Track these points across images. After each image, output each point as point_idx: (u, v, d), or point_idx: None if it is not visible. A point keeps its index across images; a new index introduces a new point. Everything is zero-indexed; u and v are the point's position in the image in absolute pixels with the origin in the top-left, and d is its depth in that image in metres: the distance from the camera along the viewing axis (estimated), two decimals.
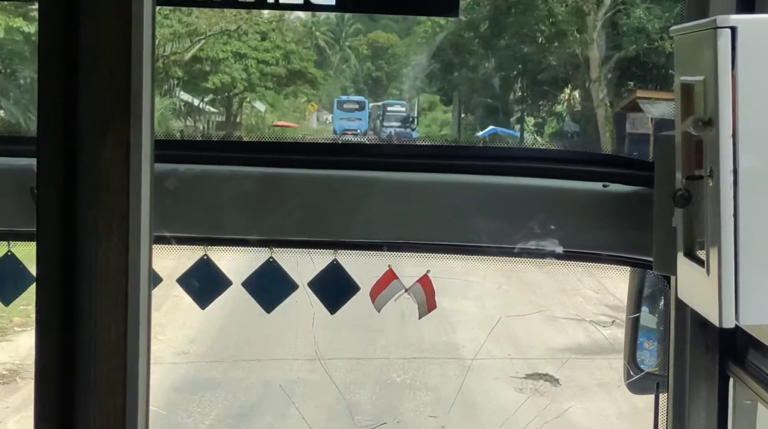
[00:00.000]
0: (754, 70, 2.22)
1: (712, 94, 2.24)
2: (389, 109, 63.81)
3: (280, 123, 55.53)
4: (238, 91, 47.40)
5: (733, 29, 2.21)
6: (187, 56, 42.07)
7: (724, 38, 2.21)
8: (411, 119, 62.48)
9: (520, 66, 44.47)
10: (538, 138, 43.38)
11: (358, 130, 59.82)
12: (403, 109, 64.22)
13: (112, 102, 2.06)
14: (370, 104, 65.04)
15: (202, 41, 43.54)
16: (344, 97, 65.25)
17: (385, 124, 62.15)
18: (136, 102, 2.07)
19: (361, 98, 65.52)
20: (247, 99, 51.11)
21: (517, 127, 47.57)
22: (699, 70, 2.34)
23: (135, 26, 2.06)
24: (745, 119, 2.21)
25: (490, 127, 47.58)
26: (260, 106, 53.21)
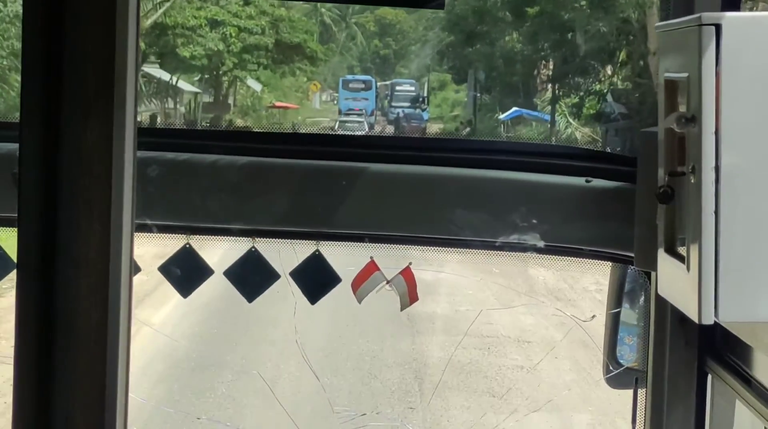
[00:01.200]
0: (737, 67, 2.22)
1: (696, 90, 2.25)
2: (398, 88, 60.50)
3: (279, 104, 51.77)
4: (227, 68, 42.43)
5: (718, 26, 2.22)
6: (148, 23, 35.72)
7: (708, 35, 2.22)
8: (421, 99, 58.91)
9: (555, 36, 38.21)
10: (573, 121, 38.78)
11: (364, 111, 56.06)
12: (413, 88, 60.65)
13: (95, 88, 2.06)
14: (378, 84, 61.54)
15: (168, 4, 37.73)
16: (350, 77, 61.73)
17: (393, 104, 58.94)
18: (119, 88, 2.06)
19: (367, 77, 61.99)
20: (241, 78, 46.36)
21: (547, 108, 42.54)
22: (683, 67, 2.35)
23: (120, 10, 2.06)
24: (728, 116, 2.22)
25: (514, 109, 43.33)
26: (255, 85, 48.81)
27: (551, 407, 12.11)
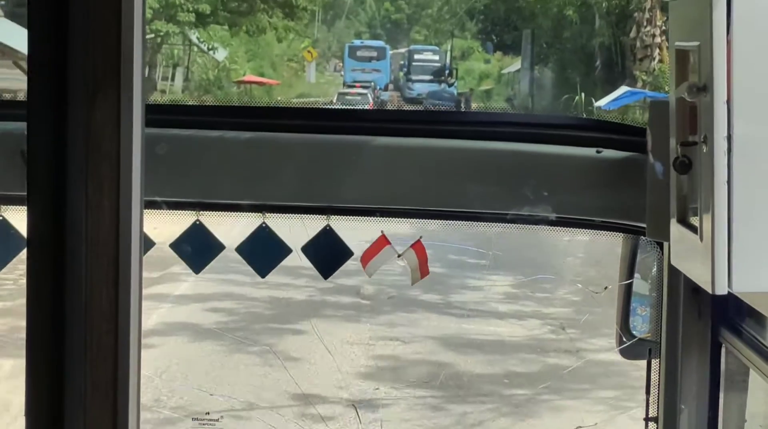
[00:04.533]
0: (748, 36, 2.21)
1: (707, 60, 2.23)
2: (417, 57, 48.25)
3: (250, 78, 38.75)
4: (160, 26, 30.63)
5: None
6: None
7: (719, 4, 2.20)
8: (448, 71, 46.52)
9: None
10: None
11: (373, 84, 44.76)
12: (437, 57, 48.33)
13: (102, 66, 2.05)
14: (391, 52, 49.99)
15: None
16: (358, 42, 50.64)
17: (412, 77, 46.90)
18: (126, 66, 2.05)
19: (379, 43, 50.59)
20: (185, 35, 33.52)
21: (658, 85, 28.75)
22: (694, 36, 2.33)
23: None
24: (739, 85, 2.20)
25: (626, 90, 28.06)
26: (218, 52, 37.16)
27: None
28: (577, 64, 35.48)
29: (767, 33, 2.21)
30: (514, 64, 44.27)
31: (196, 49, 36.01)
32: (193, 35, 34.34)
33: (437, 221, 3.54)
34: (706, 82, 2.25)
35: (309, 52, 45.72)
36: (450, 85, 45.35)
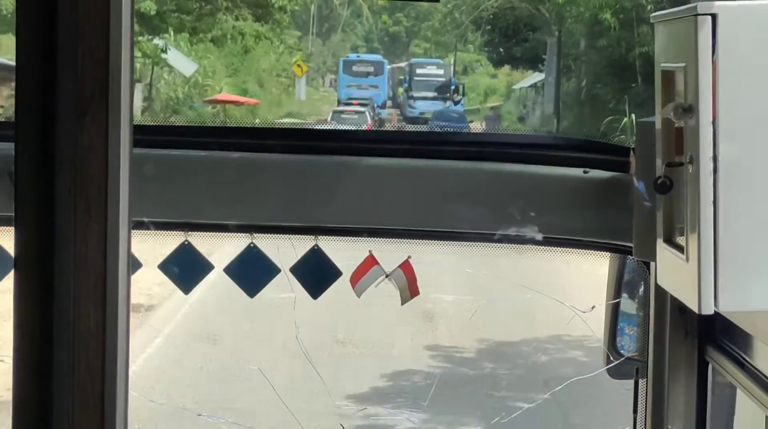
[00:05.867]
0: (734, 57, 2.22)
1: (693, 80, 2.24)
2: (419, 71, 43.33)
3: (223, 97, 32.49)
4: None
5: (714, 16, 2.21)
6: None
7: (704, 25, 2.21)
8: (454, 87, 41.38)
9: None
10: None
11: (370, 101, 39.84)
12: (441, 71, 43.42)
13: (90, 86, 2.05)
14: (389, 66, 45.28)
15: None
16: (353, 56, 46.20)
17: (413, 94, 42.01)
18: (114, 86, 2.06)
19: (377, 57, 46.15)
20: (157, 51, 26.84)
21: None
22: (680, 57, 2.34)
23: (113, 9, 2.05)
24: (725, 106, 2.22)
25: None
26: (181, 62, 30.81)
27: None
28: (611, 79, 28.89)
29: (752, 54, 2.23)
30: (526, 79, 39.56)
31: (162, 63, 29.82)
32: (160, 46, 28.07)
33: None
34: (692, 103, 2.26)
35: (299, 65, 40.59)
36: (456, 103, 40.55)
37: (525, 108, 38.93)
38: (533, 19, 32.88)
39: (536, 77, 37.86)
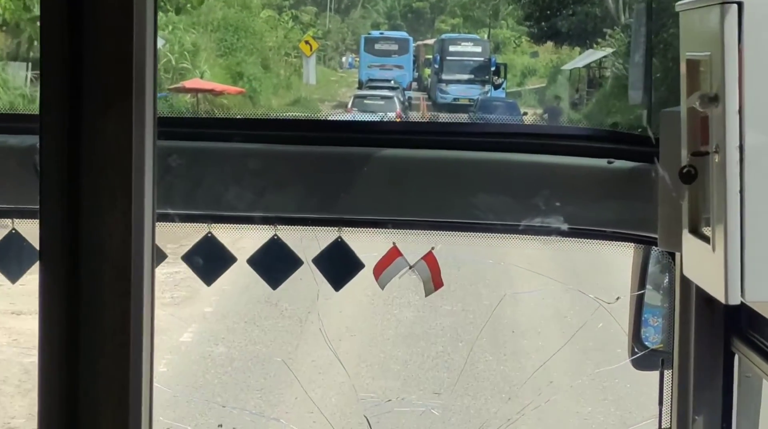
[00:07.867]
0: (760, 46, 2.20)
1: (719, 70, 2.23)
2: (452, 49, 36.90)
3: (193, 84, 26.31)
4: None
5: (740, 4, 2.20)
6: None
7: (730, 14, 2.20)
8: (494, 68, 34.94)
9: None
10: None
11: (398, 85, 34.80)
12: (479, 49, 36.66)
13: (115, 78, 2.06)
14: (415, 44, 39.69)
15: None
16: (376, 33, 41.76)
17: (444, 76, 35.82)
18: (139, 79, 2.06)
19: (402, 34, 41.14)
20: None
21: None
22: (705, 46, 2.33)
23: (137, 2, 2.05)
24: (751, 95, 2.20)
25: None
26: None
27: None
28: None
29: None
30: (577, 59, 34.13)
31: None
32: None
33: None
34: (718, 92, 2.24)
35: (307, 42, 34.07)
36: (497, 87, 34.73)
37: (578, 92, 32.95)
38: None
39: (592, 55, 32.12)
